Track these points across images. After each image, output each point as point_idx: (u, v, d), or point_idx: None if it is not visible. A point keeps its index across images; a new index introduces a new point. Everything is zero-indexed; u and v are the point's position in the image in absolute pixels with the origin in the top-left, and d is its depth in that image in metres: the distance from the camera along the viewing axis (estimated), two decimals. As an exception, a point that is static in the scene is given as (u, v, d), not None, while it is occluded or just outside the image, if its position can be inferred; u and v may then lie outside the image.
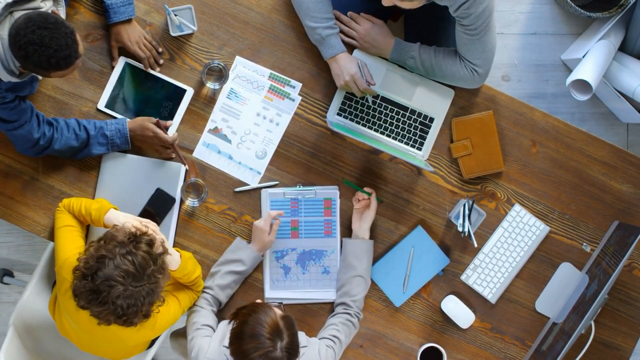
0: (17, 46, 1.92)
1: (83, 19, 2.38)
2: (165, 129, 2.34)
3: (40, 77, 2.30)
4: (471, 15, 2.14)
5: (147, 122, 2.32)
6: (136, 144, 2.37)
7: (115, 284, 1.91)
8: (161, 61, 2.38)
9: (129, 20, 2.34)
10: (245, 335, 1.99)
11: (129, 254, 1.94)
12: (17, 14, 1.99)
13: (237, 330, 2.03)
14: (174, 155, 2.38)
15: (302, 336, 2.21)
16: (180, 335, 2.51)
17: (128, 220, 2.14)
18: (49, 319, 2.46)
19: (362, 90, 2.33)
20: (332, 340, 2.27)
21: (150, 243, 1.99)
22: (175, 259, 2.16)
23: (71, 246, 2.14)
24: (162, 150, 2.36)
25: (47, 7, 2.07)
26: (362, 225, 2.37)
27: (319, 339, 2.28)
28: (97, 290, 1.91)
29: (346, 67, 2.31)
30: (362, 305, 2.36)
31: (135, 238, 1.98)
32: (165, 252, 2.04)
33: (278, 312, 2.06)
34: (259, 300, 2.26)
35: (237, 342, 2.01)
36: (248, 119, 2.42)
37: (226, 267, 2.33)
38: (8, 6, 1.98)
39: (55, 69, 1.96)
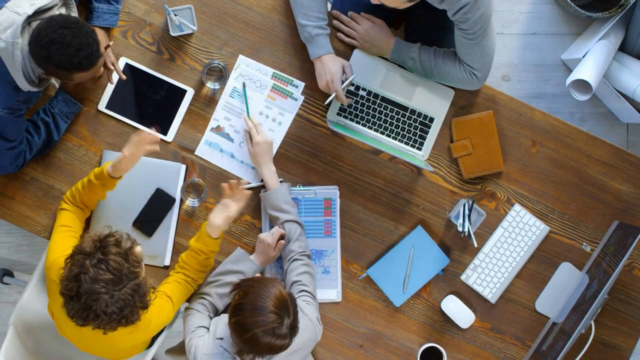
0: (39, 46, 1.94)
1: (83, 20, 2.38)
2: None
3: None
4: (469, 20, 2.14)
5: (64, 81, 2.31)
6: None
7: (99, 296, 1.90)
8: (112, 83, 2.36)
9: (107, 28, 2.34)
10: (248, 307, 1.94)
11: (100, 262, 1.92)
12: (35, 24, 2.01)
13: (239, 302, 1.97)
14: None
15: None
16: (175, 351, 2.49)
17: (125, 151, 2.16)
18: (49, 319, 2.46)
19: (334, 93, 2.31)
20: (304, 296, 2.24)
21: (118, 242, 1.97)
22: (219, 227, 2.20)
23: (61, 248, 2.15)
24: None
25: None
26: (262, 173, 2.34)
27: None
28: (86, 307, 1.92)
29: (329, 67, 2.31)
30: (303, 240, 2.32)
31: (101, 242, 1.96)
32: (134, 244, 2.00)
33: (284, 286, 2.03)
34: (258, 275, 2.21)
35: (239, 315, 1.95)
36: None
37: (227, 277, 2.30)
38: (28, 17, 1.99)
39: (78, 68, 1.97)
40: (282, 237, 2.33)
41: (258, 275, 2.17)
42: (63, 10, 2.11)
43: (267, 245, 2.32)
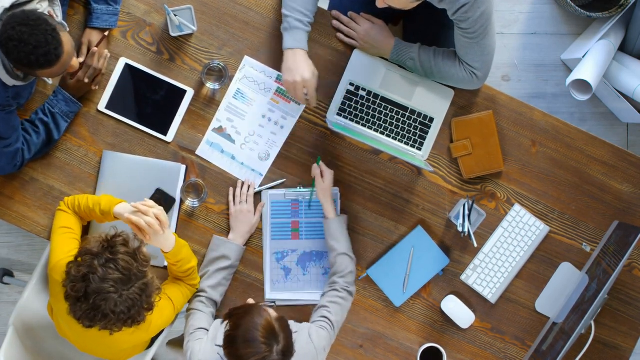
0: (0, 43, 1.93)
1: (83, 19, 2.38)
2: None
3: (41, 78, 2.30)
4: (469, 19, 2.14)
5: (66, 79, 2.31)
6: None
7: (108, 295, 1.91)
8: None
9: (106, 30, 2.34)
10: (240, 340, 1.96)
11: (108, 261, 1.92)
12: None
13: (231, 334, 2.00)
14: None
15: (290, 323, 2.16)
16: (177, 343, 2.50)
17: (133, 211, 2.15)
18: (49, 319, 2.46)
19: (308, 100, 2.31)
20: (322, 321, 2.24)
21: (125, 242, 1.97)
22: (169, 241, 2.15)
23: (64, 249, 2.14)
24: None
25: (42, 8, 2.07)
26: (324, 204, 2.36)
27: (311, 322, 2.25)
28: (94, 307, 1.92)
29: (302, 67, 2.26)
30: (351, 279, 2.32)
31: (109, 243, 1.96)
32: (142, 243, 2.01)
33: (272, 313, 2.03)
34: (251, 300, 2.22)
35: (232, 347, 1.98)
36: (253, 120, 2.42)
37: (213, 266, 2.33)
38: (6, 10, 1.98)
39: (37, 66, 1.95)
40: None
41: (251, 300, 2.19)
42: (45, 5, 2.09)
43: (247, 211, 2.33)
